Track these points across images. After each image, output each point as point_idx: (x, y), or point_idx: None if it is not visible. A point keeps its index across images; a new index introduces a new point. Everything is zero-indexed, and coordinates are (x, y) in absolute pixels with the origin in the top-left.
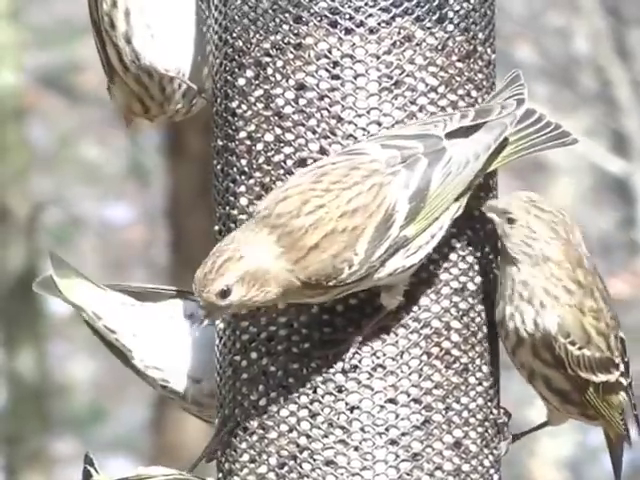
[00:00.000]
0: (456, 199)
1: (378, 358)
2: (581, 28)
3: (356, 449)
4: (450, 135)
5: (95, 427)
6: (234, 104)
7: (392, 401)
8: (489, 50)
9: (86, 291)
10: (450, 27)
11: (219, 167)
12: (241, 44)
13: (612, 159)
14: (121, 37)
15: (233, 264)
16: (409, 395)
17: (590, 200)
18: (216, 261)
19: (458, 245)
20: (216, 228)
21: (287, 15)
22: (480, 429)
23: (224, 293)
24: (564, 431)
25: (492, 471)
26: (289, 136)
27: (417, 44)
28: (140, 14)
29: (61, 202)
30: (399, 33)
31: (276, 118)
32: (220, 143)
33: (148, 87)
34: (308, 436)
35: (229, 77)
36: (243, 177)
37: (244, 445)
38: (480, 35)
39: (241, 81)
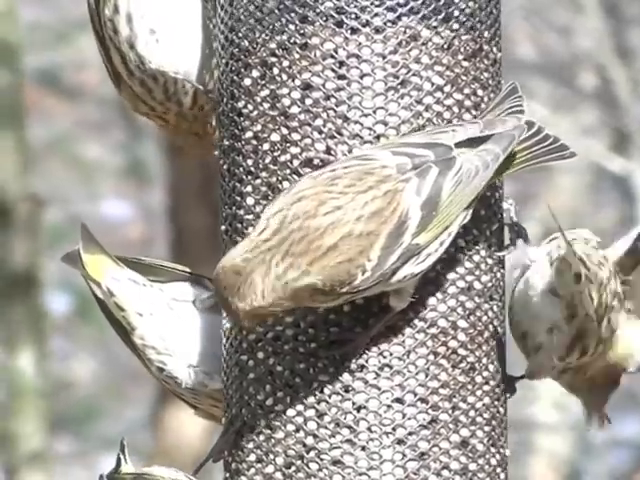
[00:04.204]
0: (465, 207)
1: (385, 358)
2: (582, 26)
3: (363, 449)
4: (459, 145)
5: (95, 426)
6: (240, 104)
7: (399, 400)
8: (495, 49)
9: (105, 267)
10: (456, 26)
11: (225, 167)
12: (247, 44)
13: (612, 157)
14: (124, 42)
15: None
16: (416, 394)
17: (590, 199)
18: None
19: (464, 244)
20: (222, 228)
21: (293, 15)
22: (487, 428)
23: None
24: (564, 429)
25: (499, 470)
26: (295, 136)
27: (423, 43)
28: (142, 19)
29: (61, 200)
30: (405, 32)
31: (282, 118)
32: (226, 143)
33: (152, 90)
34: (315, 436)
35: (235, 77)
36: (250, 177)
37: (251, 445)
38: (486, 33)
39: (247, 81)
